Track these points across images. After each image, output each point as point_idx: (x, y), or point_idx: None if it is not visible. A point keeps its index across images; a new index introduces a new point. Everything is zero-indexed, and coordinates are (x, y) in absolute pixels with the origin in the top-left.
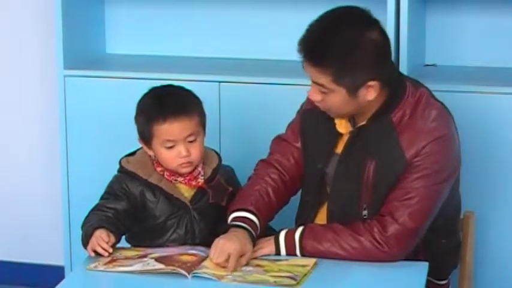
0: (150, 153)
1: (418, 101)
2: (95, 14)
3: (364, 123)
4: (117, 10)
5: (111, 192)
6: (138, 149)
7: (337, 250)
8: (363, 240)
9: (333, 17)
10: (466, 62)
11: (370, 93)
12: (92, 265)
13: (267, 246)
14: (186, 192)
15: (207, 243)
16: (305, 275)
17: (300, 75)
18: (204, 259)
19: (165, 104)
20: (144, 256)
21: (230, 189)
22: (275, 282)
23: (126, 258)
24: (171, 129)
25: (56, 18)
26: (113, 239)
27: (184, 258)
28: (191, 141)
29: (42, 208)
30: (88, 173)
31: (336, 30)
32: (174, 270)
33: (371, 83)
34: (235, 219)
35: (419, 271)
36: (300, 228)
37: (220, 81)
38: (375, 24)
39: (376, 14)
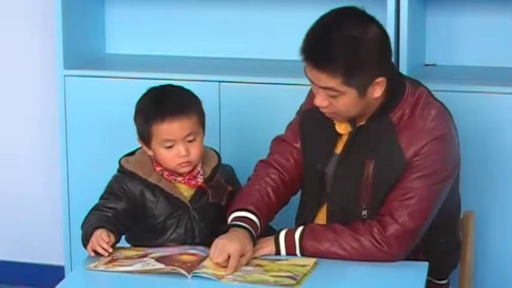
0: (150, 153)
1: (418, 100)
2: (95, 14)
3: (363, 123)
4: (117, 10)
5: (110, 192)
6: (137, 149)
7: (337, 250)
8: (363, 240)
9: (331, 19)
10: (466, 62)
11: (377, 90)
12: (92, 265)
13: (267, 246)
14: (185, 191)
15: (207, 243)
16: (305, 274)
17: (300, 75)
18: (204, 259)
19: (163, 103)
20: (144, 256)
21: (230, 188)
22: (275, 282)
23: (126, 258)
24: (169, 128)
25: (56, 18)
26: (112, 239)
27: (184, 258)
28: (190, 141)
29: (42, 208)
30: (88, 173)
31: (338, 32)
32: (174, 270)
33: (378, 79)
34: (236, 219)
35: (419, 271)
36: (300, 228)
37: (220, 81)
38: (373, 21)
39: (376, 14)
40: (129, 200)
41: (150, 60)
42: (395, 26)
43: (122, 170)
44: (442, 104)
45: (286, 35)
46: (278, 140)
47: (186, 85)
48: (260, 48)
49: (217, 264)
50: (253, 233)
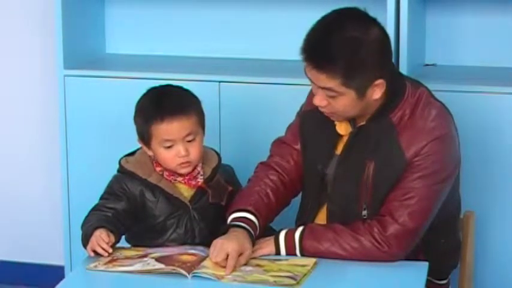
0: (150, 153)
1: (418, 100)
2: (94, 14)
3: (363, 123)
4: (117, 10)
5: (110, 192)
6: (137, 149)
7: (337, 250)
8: (363, 240)
9: (332, 19)
10: (466, 62)
11: (377, 92)
12: (92, 265)
13: (266, 246)
14: (185, 192)
15: (207, 243)
16: (305, 274)
17: (300, 75)
18: (204, 259)
19: (163, 103)
20: (144, 256)
21: (230, 188)
22: (275, 282)
23: (126, 258)
24: (169, 129)
25: (56, 18)
26: (112, 239)
27: (184, 258)
28: (190, 141)
29: (42, 208)
30: (88, 173)
31: (339, 33)
32: (174, 270)
33: (377, 81)
34: (235, 219)
35: (419, 271)
36: (300, 228)
37: (220, 81)
38: (374, 22)
39: (376, 14)
40: (129, 200)
41: (150, 60)
42: (395, 26)
43: (122, 170)
44: (443, 104)
45: (286, 35)
46: (278, 142)
47: (186, 85)
48: (260, 48)
49: (216, 263)
50: (252, 233)
